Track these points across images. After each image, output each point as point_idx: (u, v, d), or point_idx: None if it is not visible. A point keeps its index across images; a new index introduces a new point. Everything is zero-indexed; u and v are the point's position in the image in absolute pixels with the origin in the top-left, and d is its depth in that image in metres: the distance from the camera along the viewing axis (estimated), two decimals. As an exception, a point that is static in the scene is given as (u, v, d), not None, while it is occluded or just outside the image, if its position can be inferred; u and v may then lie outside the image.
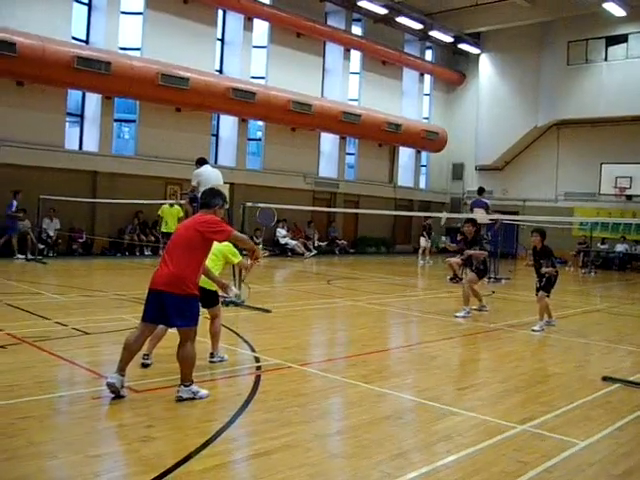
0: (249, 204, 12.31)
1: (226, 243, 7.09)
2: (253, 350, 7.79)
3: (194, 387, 5.66)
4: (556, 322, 10.64)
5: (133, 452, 4.42)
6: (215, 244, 6.92)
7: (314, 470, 4.24)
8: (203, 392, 5.70)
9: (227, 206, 6.34)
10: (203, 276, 6.61)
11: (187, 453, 4.36)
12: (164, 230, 18.92)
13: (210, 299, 6.94)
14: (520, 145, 31.42)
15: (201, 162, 12.57)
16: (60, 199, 18.02)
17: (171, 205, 19.12)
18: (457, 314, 11.37)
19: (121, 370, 5.58)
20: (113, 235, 21.16)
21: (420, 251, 24.87)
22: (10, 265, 16.30)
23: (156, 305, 5.62)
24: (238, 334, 8.57)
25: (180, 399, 5.54)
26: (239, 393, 5.94)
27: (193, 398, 5.59)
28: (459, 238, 13.11)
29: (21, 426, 4.75)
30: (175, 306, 5.54)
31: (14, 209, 18.18)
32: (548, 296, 10.40)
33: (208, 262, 6.76)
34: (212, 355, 6.99)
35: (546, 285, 10.38)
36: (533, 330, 10.18)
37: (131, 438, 4.67)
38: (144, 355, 6.59)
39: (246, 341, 8.22)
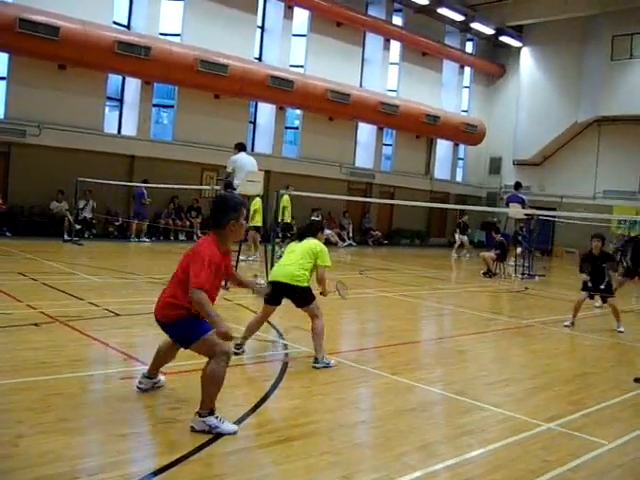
0: (283, 191, 12.35)
1: (320, 243, 6.80)
2: (282, 337, 7.82)
3: (212, 419, 4.50)
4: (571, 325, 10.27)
5: (157, 433, 4.48)
6: (305, 242, 6.77)
7: (336, 458, 4.24)
8: (228, 427, 4.52)
9: (244, 219, 4.96)
10: (287, 271, 6.53)
11: (211, 436, 4.40)
12: (286, 220, 17.39)
13: (299, 297, 6.61)
14: (559, 141, 30.95)
15: (240, 147, 12.62)
16: (97, 182, 18.25)
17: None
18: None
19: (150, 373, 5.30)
20: (149, 219, 21.34)
21: (456, 245, 24.65)
22: (49, 246, 16.55)
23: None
24: (268, 321, 8.58)
25: (193, 429, 4.50)
26: (266, 379, 5.96)
27: (209, 432, 4.47)
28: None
29: (51, 402, 4.84)
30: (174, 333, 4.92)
31: (146, 197, 19.77)
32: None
33: (298, 260, 6.56)
34: (316, 360, 6.55)
35: (610, 288, 10.27)
36: (619, 331, 10.06)
37: (156, 419, 4.73)
38: (236, 345, 6.60)
39: (275, 328, 8.24)
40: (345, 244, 25.54)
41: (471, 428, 5.08)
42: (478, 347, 8.65)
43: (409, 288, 14.12)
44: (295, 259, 6.61)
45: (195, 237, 21.58)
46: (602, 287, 10.18)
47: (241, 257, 15.14)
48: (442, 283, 16.15)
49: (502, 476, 4.18)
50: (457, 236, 24.69)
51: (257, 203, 15.17)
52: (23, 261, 13.18)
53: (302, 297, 6.61)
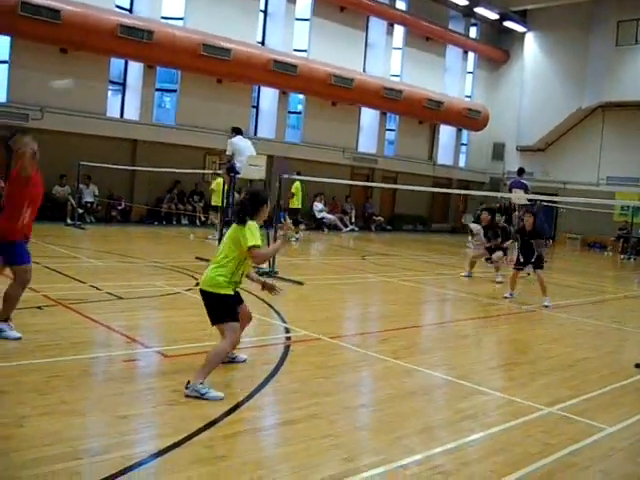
0: (286, 176, 12.33)
1: (243, 226, 5.03)
2: (284, 321, 7.84)
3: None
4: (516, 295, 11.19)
5: (159, 415, 4.50)
6: (231, 229, 5.20)
7: (337, 441, 4.26)
8: None
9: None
10: (205, 275, 5.14)
11: (212, 419, 4.42)
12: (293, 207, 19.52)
13: (210, 306, 5.09)
14: (563, 126, 30.82)
15: (236, 131, 12.67)
16: (99, 166, 18.24)
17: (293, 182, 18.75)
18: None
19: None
20: (151, 203, 21.39)
21: None
22: (52, 230, 16.56)
23: None
24: (269, 304, 8.61)
25: None
26: (267, 362, 5.98)
27: None
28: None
29: (54, 384, 4.87)
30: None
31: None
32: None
33: (218, 258, 5.09)
34: (188, 383, 4.85)
35: (539, 262, 10.92)
36: (545, 305, 10.48)
37: (158, 401, 4.74)
38: None
39: (277, 312, 8.26)
40: (348, 229, 25.53)
41: (472, 412, 5.10)
42: (479, 332, 8.68)
43: (411, 273, 14.13)
44: (215, 257, 5.16)
45: (198, 222, 21.64)
46: (532, 260, 10.93)
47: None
48: (444, 268, 16.14)
49: (502, 459, 4.20)
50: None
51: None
52: (26, 245, 13.18)
53: (213, 307, 5.05)
